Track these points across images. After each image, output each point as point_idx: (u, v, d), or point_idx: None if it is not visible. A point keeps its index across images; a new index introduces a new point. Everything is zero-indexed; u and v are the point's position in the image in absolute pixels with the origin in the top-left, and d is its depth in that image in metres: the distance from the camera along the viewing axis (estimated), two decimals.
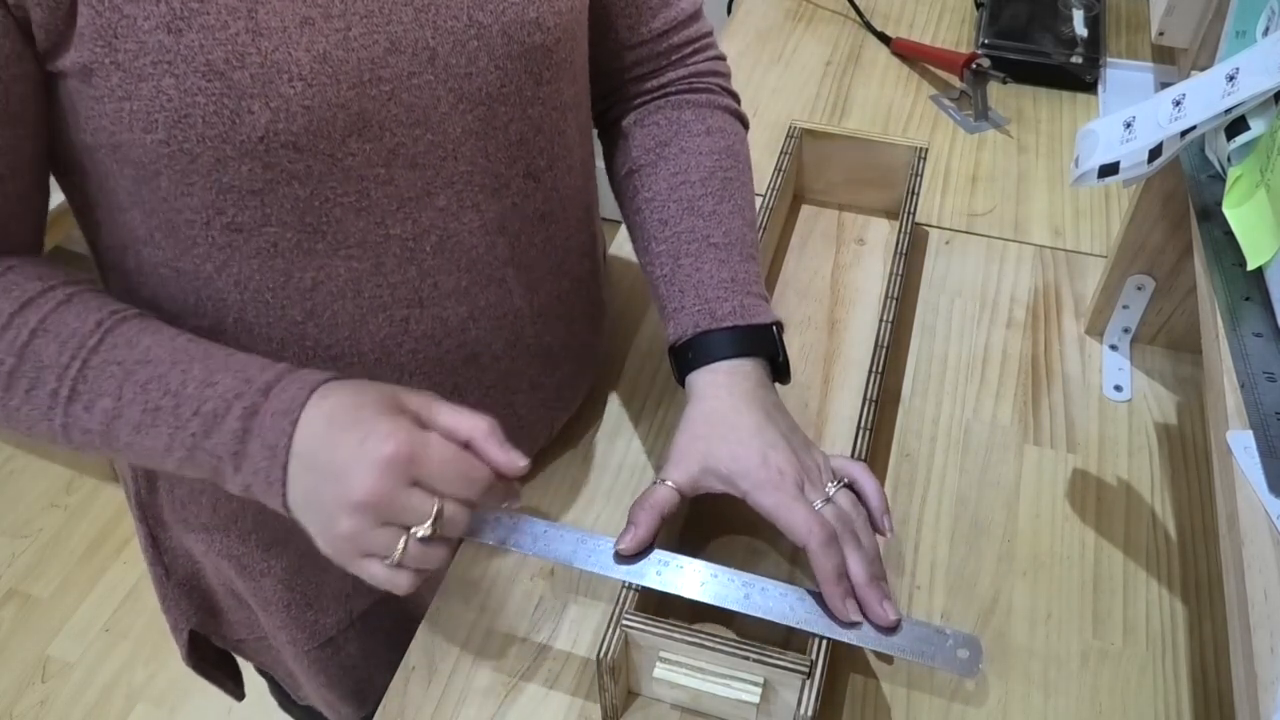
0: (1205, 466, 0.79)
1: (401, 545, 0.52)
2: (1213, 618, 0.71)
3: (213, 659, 0.88)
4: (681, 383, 0.69)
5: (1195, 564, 0.74)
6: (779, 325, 0.69)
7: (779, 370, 0.69)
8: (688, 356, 0.68)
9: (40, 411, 0.54)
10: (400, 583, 0.53)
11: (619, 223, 1.06)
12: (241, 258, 0.58)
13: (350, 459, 0.51)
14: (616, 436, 0.82)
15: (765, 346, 0.68)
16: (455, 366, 0.67)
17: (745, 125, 0.79)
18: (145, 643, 1.73)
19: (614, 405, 0.84)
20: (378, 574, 0.53)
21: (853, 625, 0.59)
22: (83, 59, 0.49)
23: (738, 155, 0.75)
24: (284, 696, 0.93)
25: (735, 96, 0.79)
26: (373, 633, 0.80)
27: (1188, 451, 0.81)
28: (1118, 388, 0.86)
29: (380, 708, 0.67)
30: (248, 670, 0.93)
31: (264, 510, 0.59)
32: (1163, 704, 0.66)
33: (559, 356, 0.74)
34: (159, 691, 1.66)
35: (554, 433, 0.79)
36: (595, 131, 0.78)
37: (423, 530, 0.52)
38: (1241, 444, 0.49)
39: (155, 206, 0.56)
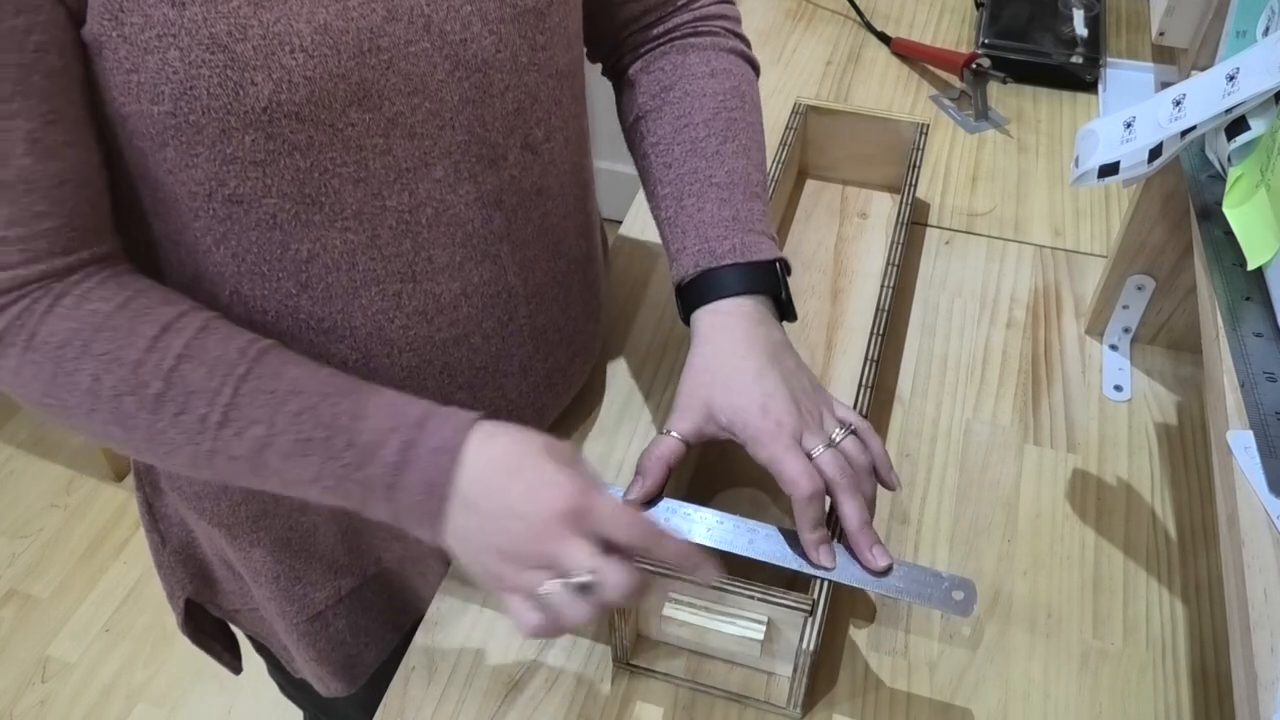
0: (1205, 466, 0.79)
1: (550, 588, 0.52)
2: (1213, 618, 0.71)
3: (210, 630, 0.88)
4: (687, 323, 0.69)
5: (1195, 564, 0.74)
6: (783, 262, 0.69)
7: (784, 308, 0.69)
8: (691, 297, 0.68)
9: (186, 435, 0.55)
10: (531, 621, 0.53)
11: (619, 222, 1.06)
12: (241, 229, 0.59)
13: (521, 506, 0.53)
14: (616, 434, 0.82)
15: (768, 283, 0.68)
16: (445, 345, 0.67)
17: (755, 67, 0.78)
18: (145, 643, 1.73)
19: (612, 401, 0.84)
20: (519, 611, 0.54)
21: (822, 568, 0.61)
22: (93, 32, 0.51)
23: (744, 96, 0.75)
24: (282, 675, 0.93)
25: (744, 40, 0.79)
26: (363, 611, 0.80)
27: (1188, 451, 0.81)
28: (1118, 388, 0.86)
29: (380, 708, 0.67)
30: (247, 668, 0.93)
31: None
32: (1163, 704, 0.66)
33: (552, 341, 0.74)
34: (159, 691, 1.66)
35: (545, 424, 0.79)
36: (611, 83, 0.79)
37: (580, 579, 0.52)
38: (1241, 444, 0.49)
39: (161, 179, 0.57)
